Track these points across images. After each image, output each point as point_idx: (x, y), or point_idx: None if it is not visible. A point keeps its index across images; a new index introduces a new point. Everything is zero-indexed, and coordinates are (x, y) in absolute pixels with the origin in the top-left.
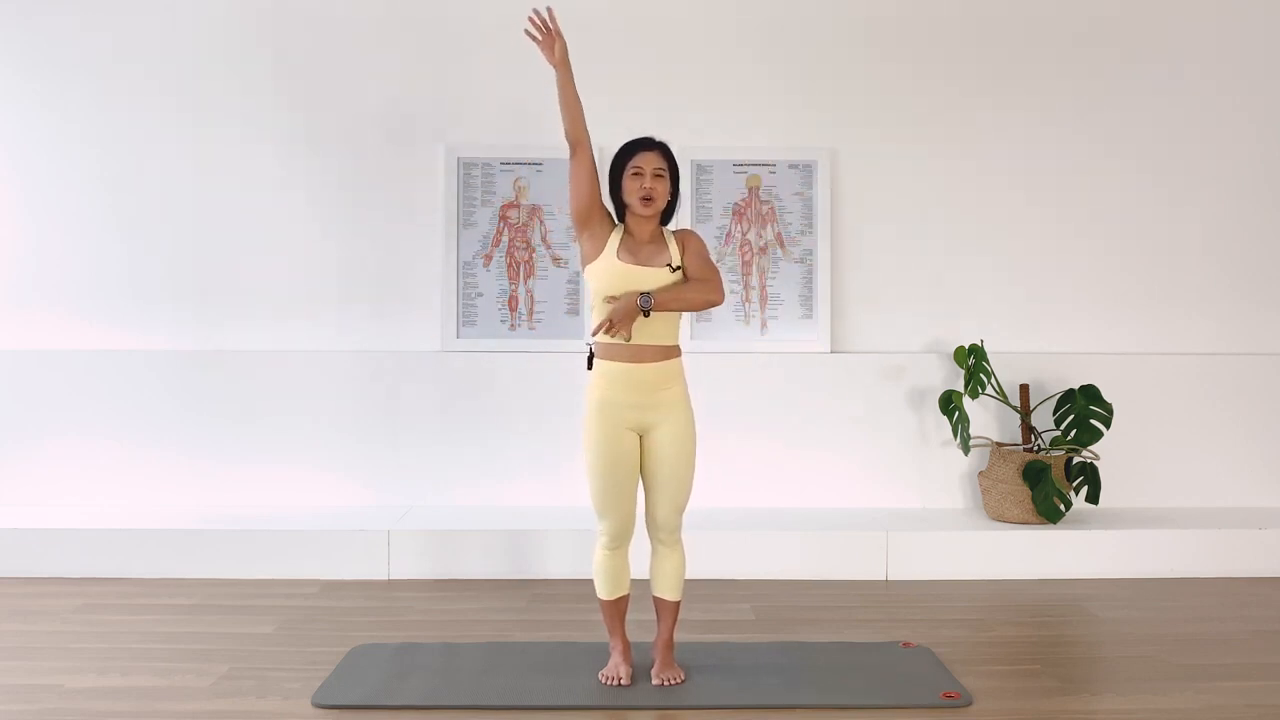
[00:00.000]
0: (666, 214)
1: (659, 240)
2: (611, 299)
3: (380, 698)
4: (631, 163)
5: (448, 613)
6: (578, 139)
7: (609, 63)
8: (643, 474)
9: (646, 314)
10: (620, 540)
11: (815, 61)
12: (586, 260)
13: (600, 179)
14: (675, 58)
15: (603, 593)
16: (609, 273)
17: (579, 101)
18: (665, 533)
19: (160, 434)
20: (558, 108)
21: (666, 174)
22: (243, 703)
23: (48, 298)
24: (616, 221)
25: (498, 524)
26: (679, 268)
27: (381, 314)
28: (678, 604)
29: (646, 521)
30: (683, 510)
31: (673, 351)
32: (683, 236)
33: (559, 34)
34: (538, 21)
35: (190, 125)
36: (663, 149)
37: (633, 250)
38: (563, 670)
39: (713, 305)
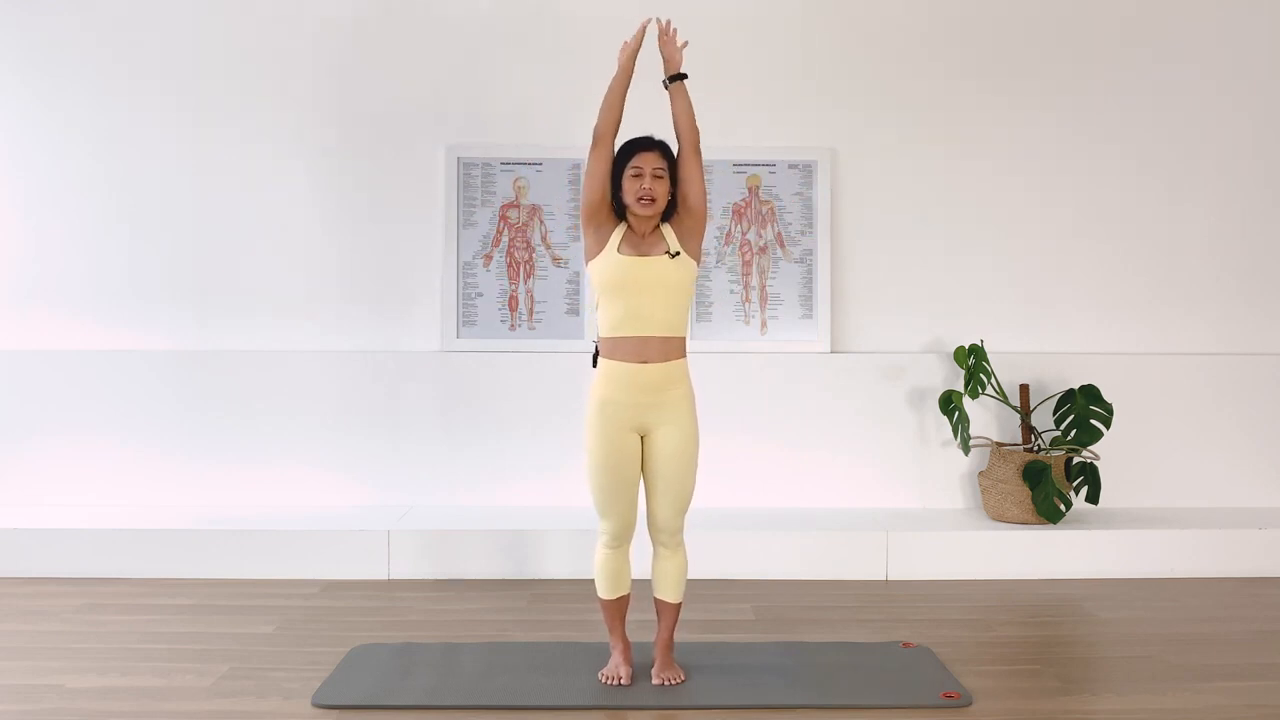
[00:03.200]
0: (668, 212)
1: (658, 233)
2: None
3: (380, 698)
4: (631, 163)
5: (448, 613)
6: (606, 134)
7: (609, 62)
8: (644, 475)
9: (682, 77)
10: (621, 540)
11: (815, 61)
12: (590, 256)
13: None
14: None
15: (603, 592)
16: (610, 266)
17: (617, 101)
18: (666, 535)
19: (160, 434)
20: (603, 98)
21: (666, 173)
22: (243, 703)
23: (48, 298)
24: (620, 218)
25: (498, 524)
26: (677, 253)
27: (381, 314)
28: (678, 606)
29: (648, 523)
30: (684, 513)
31: (678, 350)
32: (673, 219)
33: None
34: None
35: (190, 125)
36: (662, 148)
37: (634, 244)
38: (563, 670)
39: (695, 129)
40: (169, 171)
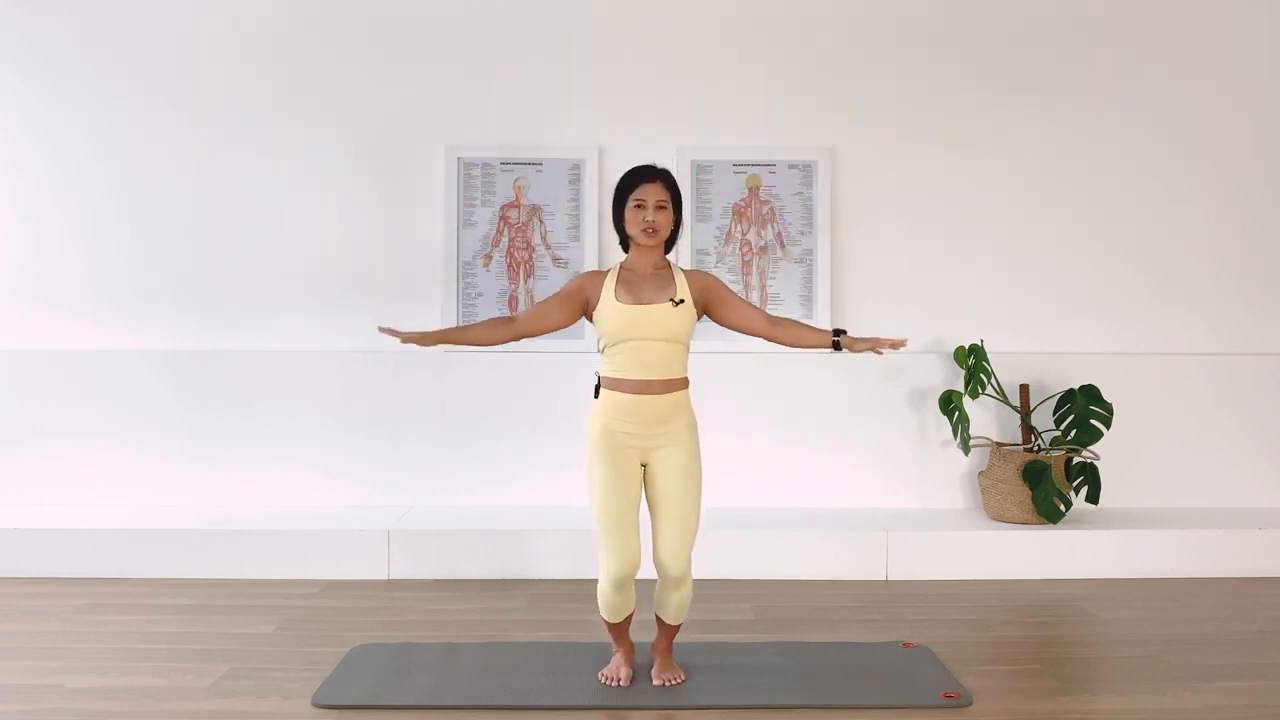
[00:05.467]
0: (670, 241)
1: (663, 272)
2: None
3: (380, 698)
4: (634, 195)
5: (448, 613)
6: (509, 336)
7: (609, 63)
8: (648, 503)
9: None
10: (623, 584)
11: (815, 61)
12: (589, 314)
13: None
14: (675, 58)
15: (608, 617)
16: (612, 316)
17: (478, 336)
18: (672, 574)
19: (160, 434)
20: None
21: (669, 204)
22: (243, 703)
23: (48, 298)
24: (613, 256)
25: (498, 524)
26: (680, 301)
27: (381, 314)
28: (679, 625)
29: (654, 561)
30: (689, 550)
31: (680, 385)
32: (704, 281)
33: (394, 333)
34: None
35: (190, 125)
36: (665, 178)
37: (633, 287)
38: (563, 670)
39: (785, 344)
40: (169, 172)
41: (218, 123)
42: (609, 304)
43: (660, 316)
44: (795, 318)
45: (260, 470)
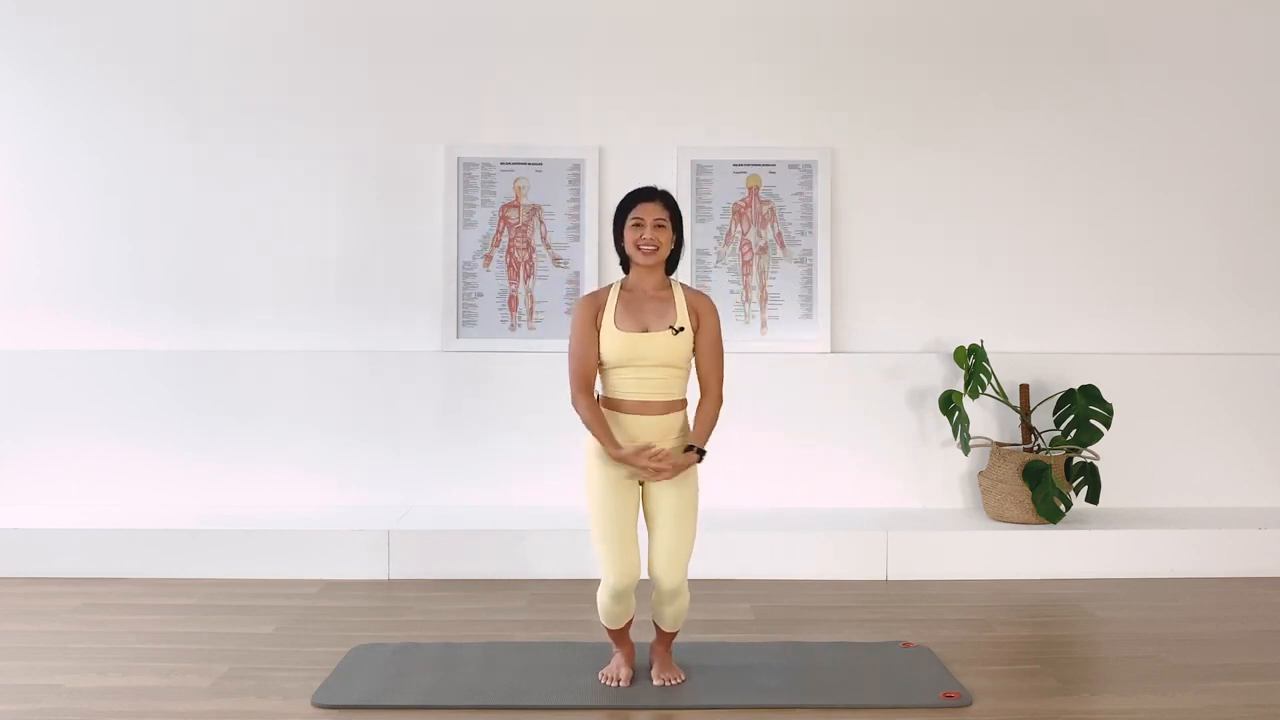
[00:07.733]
0: (672, 261)
1: (664, 292)
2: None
3: (380, 698)
4: (632, 214)
5: (448, 613)
6: (594, 394)
7: (609, 62)
8: (645, 519)
9: (702, 456)
10: (623, 595)
11: (815, 61)
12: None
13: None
14: (675, 57)
15: (608, 624)
16: (612, 342)
17: (598, 410)
18: (667, 587)
19: (160, 434)
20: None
21: (668, 223)
22: (243, 703)
23: (48, 298)
24: (612, 255)
25: (497, 524)
26: (681, 329)
27: (381, 314)
28: (676, 631)
29: (650, 576)
30: (684, 566)
31: (680, 405)
32: (699, 305)
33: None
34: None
35: (190, 125)
36: (664, 198)
37: (633, 311)
38: (563, 670)
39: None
40: (169, 171)
41: (218, 123)
42: (609, 330)
43: (661, 345)
44: (710, 415)
45: (260, 470)
